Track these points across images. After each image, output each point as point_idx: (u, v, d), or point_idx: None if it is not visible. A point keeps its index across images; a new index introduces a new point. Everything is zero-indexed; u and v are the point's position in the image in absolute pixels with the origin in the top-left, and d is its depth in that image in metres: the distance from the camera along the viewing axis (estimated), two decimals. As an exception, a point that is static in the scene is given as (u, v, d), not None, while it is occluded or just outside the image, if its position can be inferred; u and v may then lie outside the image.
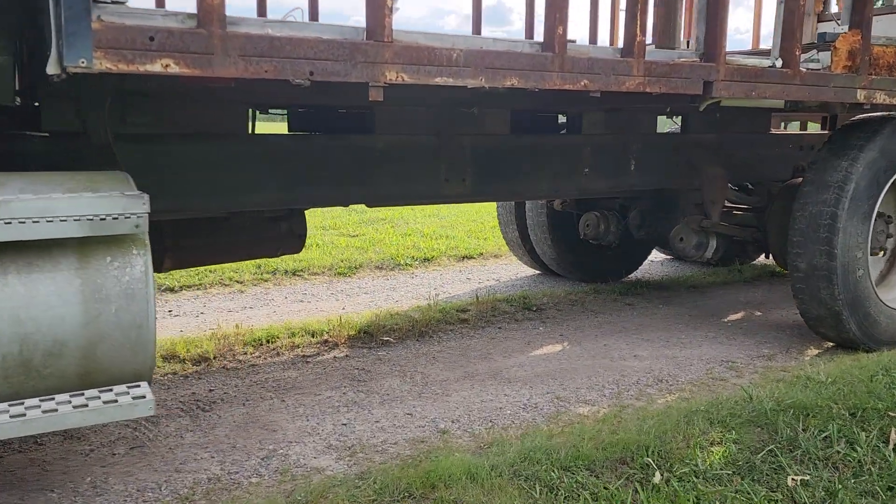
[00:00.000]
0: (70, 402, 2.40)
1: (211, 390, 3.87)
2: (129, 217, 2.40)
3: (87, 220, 2.41)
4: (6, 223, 2.27)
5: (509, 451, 2.98)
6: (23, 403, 2.37)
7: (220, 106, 3.48)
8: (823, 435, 3.11)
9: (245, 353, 4.50)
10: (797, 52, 3.75)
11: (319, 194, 3.79)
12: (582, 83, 2.97)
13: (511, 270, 7.17)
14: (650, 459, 2.87)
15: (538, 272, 6.90)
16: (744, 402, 3.40)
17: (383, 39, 2.44)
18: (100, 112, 3.08)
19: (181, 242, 4.14)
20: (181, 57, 2.24)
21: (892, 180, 4.36)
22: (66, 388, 2.47)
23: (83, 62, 2.12)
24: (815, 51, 4.01)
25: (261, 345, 4.66)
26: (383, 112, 3.83)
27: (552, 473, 2.75)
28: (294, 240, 4.49)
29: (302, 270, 6.81)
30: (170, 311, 5.51)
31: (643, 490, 2.71)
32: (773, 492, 2.76)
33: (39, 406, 2.37)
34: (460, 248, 7.92)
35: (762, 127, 5.29)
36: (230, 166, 3.47)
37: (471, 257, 7.71)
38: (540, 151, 4.32)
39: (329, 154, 3.71)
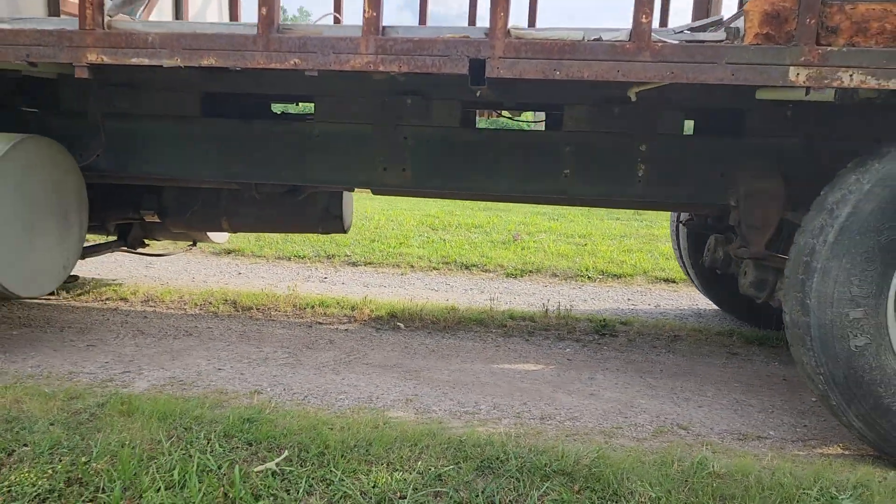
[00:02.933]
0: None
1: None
2: None
3: None
4: None
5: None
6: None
7: (179, 93, 4.07)
8: None
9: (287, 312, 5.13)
10: (645, 20, 2.75)
11: (257, 172, 4.10)
12: (292, 62, 2.87)
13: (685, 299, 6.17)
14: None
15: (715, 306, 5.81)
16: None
17: (86, 28, 2.93)
18: (92, 97, 4.22)
19: (234, 210, 5.10)
20: None
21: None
22: None
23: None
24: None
25: (306, 307, 5.29)
26: (322, 101, 4.08)
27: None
28: (333, 220, 5.03)
29: (475, 266, 7.10)
30: (325, 278, 6.54)
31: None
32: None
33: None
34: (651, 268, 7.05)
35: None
36: (186, 143, 4.26)
37: (620, 276, 6.81)
38: (498, 147, 3.96)
39: (268, 137, 4.17)
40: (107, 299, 5.30)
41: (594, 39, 2.70)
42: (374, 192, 4.30)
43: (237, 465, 2.65)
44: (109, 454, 2.70)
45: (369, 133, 3.98)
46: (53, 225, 3.88)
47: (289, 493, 2.54)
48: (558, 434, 3.24)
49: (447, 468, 2.73)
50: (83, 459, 2.67)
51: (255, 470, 2.67)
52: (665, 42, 2.67)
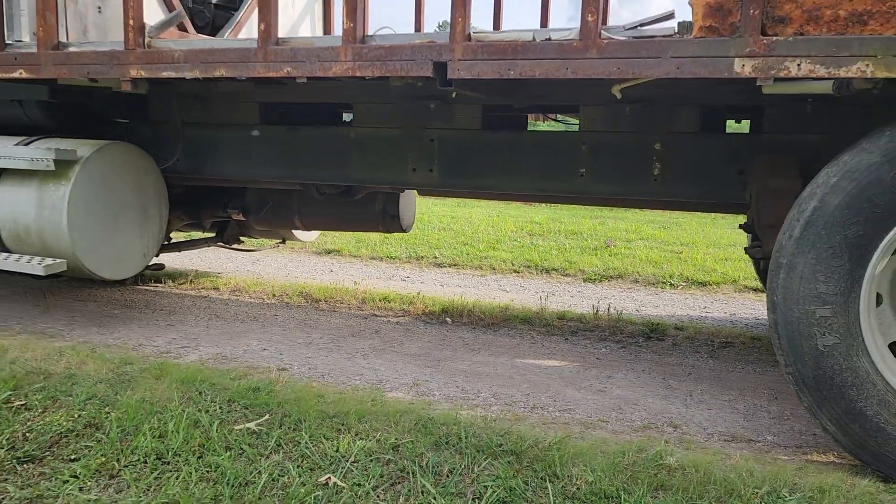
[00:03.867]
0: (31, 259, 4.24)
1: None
2: (41, 160, 4.08)
3: (25, 160, 4.09)
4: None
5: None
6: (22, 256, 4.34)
7: (239, 104, 4.64)
8: None
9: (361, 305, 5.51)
10: (591, 18, 2.75)
11: (306, 172, 4.52)
12: (285, 70, 3.19)
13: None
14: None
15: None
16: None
17: (129, 48, 3.44)
18: (173, 108, 4.83)
19: (305, 209, 5.58)
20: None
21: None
22: (35, 253, 4.32)
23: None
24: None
25: (370, 301, 5.63)
26: (359, 107, 4.41)
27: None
28: (390, 219, 5.38)
29: (555, 269, 7.14)
30: (407, 278, 6.90)
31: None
32: None
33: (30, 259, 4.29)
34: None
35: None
36: (246, 147, 4.74)
37: (705, 284, 6.49)
38: (517, 148, 4.08)
39: (314, 141, 4.54)
40: (202, 288, 5.98)
41: (545, 39, 2.82)
42: (421, 194, 4.59)
43: (216, 422, 3.03)
44: (126, 406, 3.17)
45: (400, 136, 4.28)
46: (134, 219, 4.52)
47: (255, 449, 2.87)
48: (538, 422, 3.34)
49: (405, 441, 2.94)
50: (105, 409, 3.17)
51: (237, 428, 3.03)
52: (612, 39, 2.74)
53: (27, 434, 2.95)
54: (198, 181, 5.02)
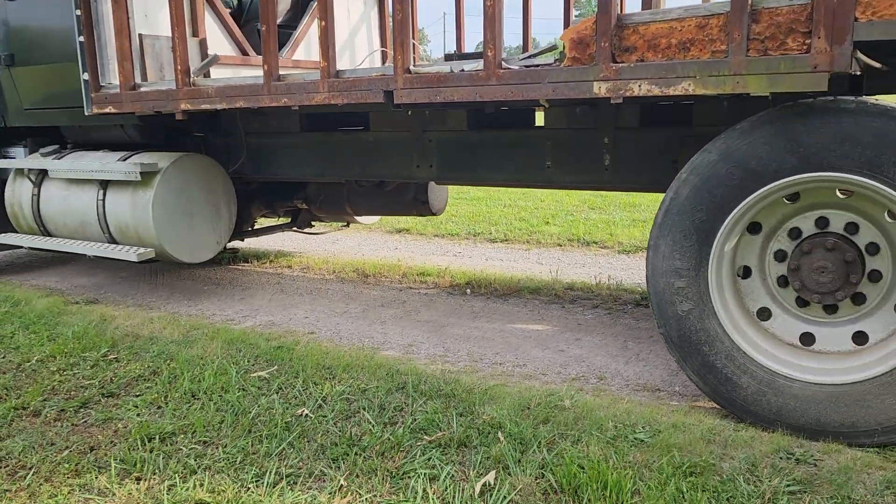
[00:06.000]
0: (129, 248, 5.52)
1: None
2: (132, 173, 5.27)
3: (121, 172, 5.38)
4: (101, 171, 5.50)
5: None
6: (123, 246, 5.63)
7: (286, 116, 5.68)
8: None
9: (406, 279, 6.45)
10: (491, 53, 3.40)
11: (338, 170, 5.44)
12: (283, 101, 4.09)
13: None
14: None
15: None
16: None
17: (179, 87, 4.50)
18: (238, 121, 5.93)
19: (353, 199, 6.56)
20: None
21: (751, 198, 3.12)
22: (134, 244, 5.58)
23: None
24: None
25: (410, 275, 6.55)
26: (375, 115, 5.26)
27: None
28: (421, 205, 6.27)
29: (595, 242, 7.70)
30: (459, 253, 7.76)
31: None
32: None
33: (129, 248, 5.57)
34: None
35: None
36: (292, 150, 5.72)
37: None
38: (499, 144, 4.78)
39: (342, 144, 5.44)
40: (279, 266, 7.16)
41: (460, 70, 3.57)
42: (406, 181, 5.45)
43: (240, 371, 4.07)
44: (181, 359, 4.29)
45: (406, 139, 5.12)
46: (207, 214, 5.68)
47: (260, 390, 3.89)
48: (488, 375, 4.14)
49: (371, 386, 3.85)
50: (167, 362, 4.31)
51: (252, 374, 4.07)
52: (509, 69, 3.44)
53: (113, 378, 4.13)
54: (264, 179, 6.12)
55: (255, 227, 7.05)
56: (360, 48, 7.57)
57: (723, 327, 3.24)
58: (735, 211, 3.15)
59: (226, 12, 6.02)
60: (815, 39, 2.77)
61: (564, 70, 3.27)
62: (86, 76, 5.03)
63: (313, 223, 7.40)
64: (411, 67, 3.73)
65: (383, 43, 7.72)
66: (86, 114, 5.17)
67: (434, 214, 6.25)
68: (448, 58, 7.00)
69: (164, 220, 5.31)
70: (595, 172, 4.47)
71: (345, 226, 7.71)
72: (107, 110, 4.98)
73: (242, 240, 7.23)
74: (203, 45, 5.64)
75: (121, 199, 5.39)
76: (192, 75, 4.56)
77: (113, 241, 5.58)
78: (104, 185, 5.44)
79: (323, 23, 3.89)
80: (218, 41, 6.00)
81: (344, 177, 5.57)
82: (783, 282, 3.37)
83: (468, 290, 5.97)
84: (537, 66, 3.41)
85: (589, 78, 3.23)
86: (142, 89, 4.80)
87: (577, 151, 4.52)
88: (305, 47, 6.79)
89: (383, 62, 6.89)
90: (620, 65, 3.14)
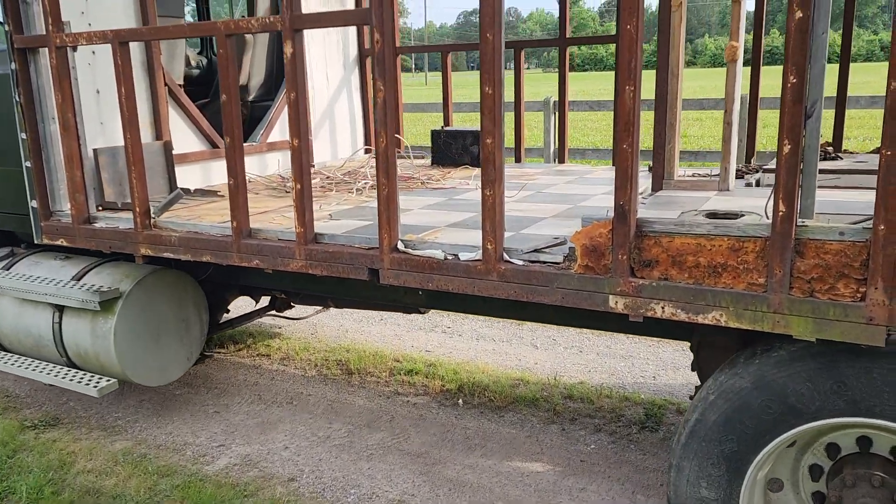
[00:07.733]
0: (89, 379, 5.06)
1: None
2: (91, 302, 4.80)
3: (76, 300, 4.90)
4: (54, 296, 5.01)
5: None
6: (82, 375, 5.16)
7: None
8: None
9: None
10: (491, 245, 3.00)
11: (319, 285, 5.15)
12: (255, 262, 3.65)
13: None
14: None
15: None
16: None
17: (138, 230, 4.05)
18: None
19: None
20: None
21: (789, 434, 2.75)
22: (95, 370, 5.12)
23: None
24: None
25: (397, 373, 6.17)
26: None
27: None
28: (407, 304, 5.85)
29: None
30: (448, 328, 7.35)
31: None
32: None
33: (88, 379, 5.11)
34: None
35: None
36: None
37: None
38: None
39: None
40: (256, 355, 6.72)
41: (453, 256, 3.15)
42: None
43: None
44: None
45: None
46: (176, 331, 5.23)
47: None
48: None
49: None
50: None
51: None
52: (511, 264, 3.02)
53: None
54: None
55: (231, 317, 6.60)
56: (339, 116, 7.11)
57: None
58: (771, 445, 2.78)
59: (191, 105, 5.53)
60: (870, 289, 2.38)
61: (576, 277, 2.87)
62: (34, 203, 4.54)
63: (293, 304, 6.96)
64: (400, 246, 3.30)
65: (364, 107, 7.27)
66: (35, 242, 4.69)
67: (421, 313, 5.84)
68: (434, 136, 6.57)
69: (128, 349, 4.86)
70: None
71: (323, 308, 7.28)
72: (58, 242, 4.50)
73: (214, 336, 6.80)
74: (167, 147, 5.16)
75: (79, 325, 4.92)
76: (152, 216, 4.08)
77: (72, 364, 5.12)
78: (60, 307, 4.97)
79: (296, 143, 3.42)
80: (184, 136, 5.51)
81: (326, 292, 5.15)
82: (819, 499, 3.02)
83: (460, 401, 5.59)
84: (544, 263, 2.99)
85: (604, 290, 2.82)
86: (97, 225, 4.32)
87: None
88: (282, 126, 6.32)
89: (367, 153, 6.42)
90: (641, 281, 2.74)
